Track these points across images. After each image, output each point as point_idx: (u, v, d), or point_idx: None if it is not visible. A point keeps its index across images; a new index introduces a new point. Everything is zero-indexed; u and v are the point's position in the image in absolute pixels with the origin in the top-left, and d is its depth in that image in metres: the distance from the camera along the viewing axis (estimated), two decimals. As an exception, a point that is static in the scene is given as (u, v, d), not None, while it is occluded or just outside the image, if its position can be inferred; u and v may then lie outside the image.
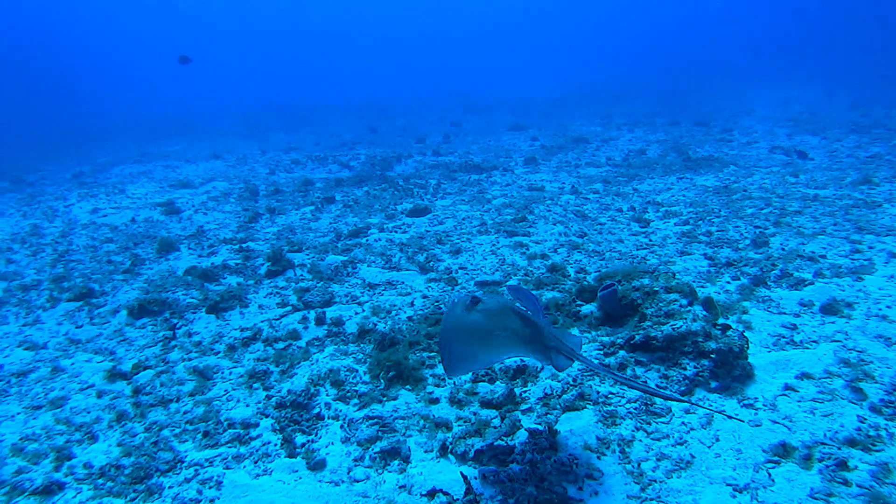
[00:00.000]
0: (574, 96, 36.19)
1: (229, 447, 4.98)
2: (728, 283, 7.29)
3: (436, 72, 63.64)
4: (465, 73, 61.22)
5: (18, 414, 5.82)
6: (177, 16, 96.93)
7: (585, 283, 7.23)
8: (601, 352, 5.82)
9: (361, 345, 6.48)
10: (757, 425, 4.58)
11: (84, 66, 79.23)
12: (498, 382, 5.48)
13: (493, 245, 9.32)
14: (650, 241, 9.06)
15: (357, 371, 5.91)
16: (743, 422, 4.62)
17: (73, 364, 6.78)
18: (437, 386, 5.55)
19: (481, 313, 4.08)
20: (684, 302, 5.90)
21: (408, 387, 5.55)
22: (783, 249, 8.20)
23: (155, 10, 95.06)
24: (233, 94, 58.37)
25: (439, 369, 5.80)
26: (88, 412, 5.73)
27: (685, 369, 5.23)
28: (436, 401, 5.31)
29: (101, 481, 4.68)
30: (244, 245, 10.35)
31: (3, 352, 7.27)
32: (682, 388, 5.07)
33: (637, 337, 5.67)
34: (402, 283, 8.10)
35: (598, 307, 6.56)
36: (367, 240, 10.15)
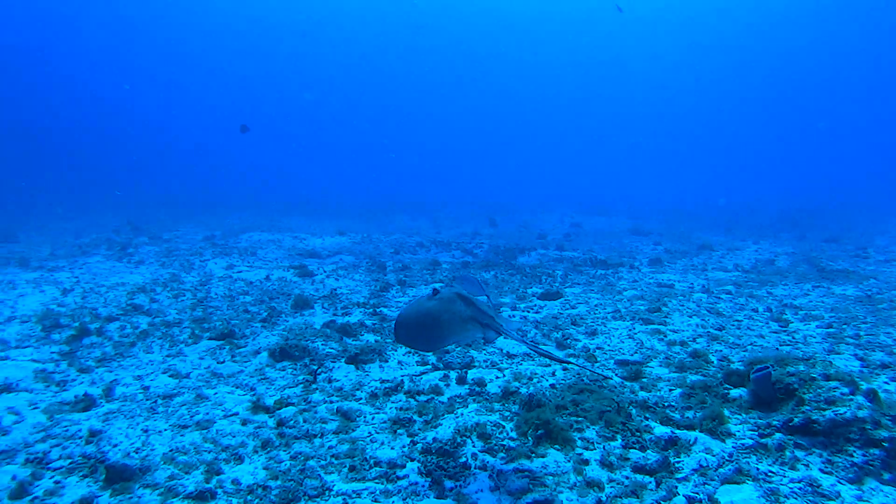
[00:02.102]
0: (693, 207, 35.96)
1: (377, 483, 5.06)
2: (886, 383, 6.96)
3: (557, 176, 64.76)
4: (584, 178, 62.08)
5: (166, 430, 6.10)
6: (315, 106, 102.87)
7: (732, 367, 7.09)
8: (756, 432, 5.65)
9: (506, 404, 6.51)
10: (941, 522, 4.33)
11: (212, 148, 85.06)
12: (649, 451, 5.39)
13: (630, 330, 9.25)
14: (793, 338, 8.79)
15: (504, 427, 5.94)
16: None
17: (215, 394, 7.07)
18: (587, 449, 5.49)
19: (436, 301, 5.08)
20: (846, 390, 5.69)
21: (556, 446, 5.52)
22: (943, 359, 7.80)
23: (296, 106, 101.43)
24: (355, 179, 61.08)
25: (588, 433, 5.75)
26: (234, 436, 5.94)
27: (852, 456, 5.01)
28: (586, 462, 5.26)
29: (250, 497, 4.85)
30: (377, 310, 10.63)
31: (149, 376, 7.69)
32: (851, 476, 4.85)
33: (796, 420, 5.49)
34: (540, 356, 8.12)
35: (749, 390, 6.39)
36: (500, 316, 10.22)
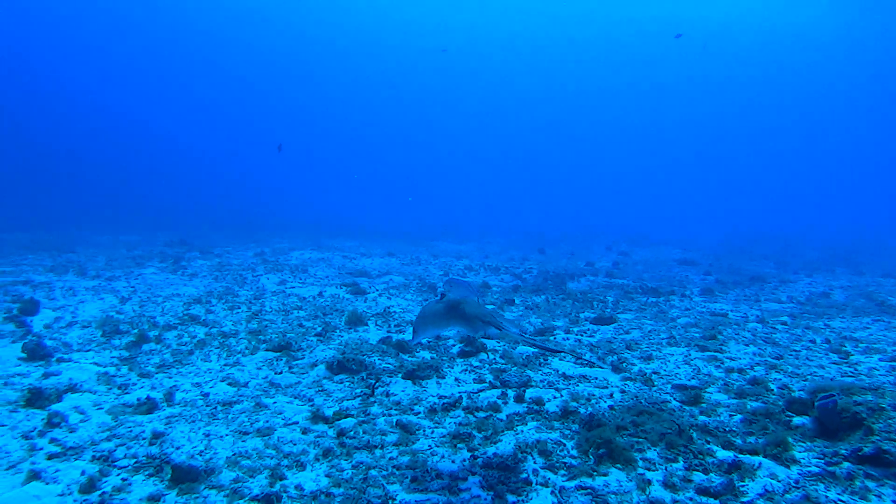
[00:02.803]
0: (740, 240, 35.46)
1: (439, 495, 5.06)
2: (955, 417, 6.79)
3: (602, 204, 64.58)
4: (628, 206, 61.87)
5: (227, 436, 6.19)
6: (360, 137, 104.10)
7: (794, 395, 6.97)
8: (822, 460, 5.54)
9: (565, 423, 6.48)
10: None
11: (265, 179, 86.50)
12: (712, 474, 5.31)
13: (686, 357, 9.15)
14: (855, 370, 8.61)
15: (565, 445, 5.91)
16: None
17: (274, 403, 7.15)
18: (649, 469, 5.44)
19: (444, 304, 5.77)
20: (917, 422, 5.57)
21: (618, 465, 5.48)
22: None
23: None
24: (396, 205, 61.61)
25: (650, 454, 5.70)
26: (295, 444, 6.02)
27: (925, 487, 4.90)
28: (648, 482, 5.21)
29: (314, 503, 4.90)
30: (431, 329, 10.67)
31: (208, 383, 7.81)
32: (923, 506, 4.74)
33: (866, 449, 5.38)
34: (597, 378, 8.07)
35: (813, 418, 6.27)
36: (554, 338, 10.22)
